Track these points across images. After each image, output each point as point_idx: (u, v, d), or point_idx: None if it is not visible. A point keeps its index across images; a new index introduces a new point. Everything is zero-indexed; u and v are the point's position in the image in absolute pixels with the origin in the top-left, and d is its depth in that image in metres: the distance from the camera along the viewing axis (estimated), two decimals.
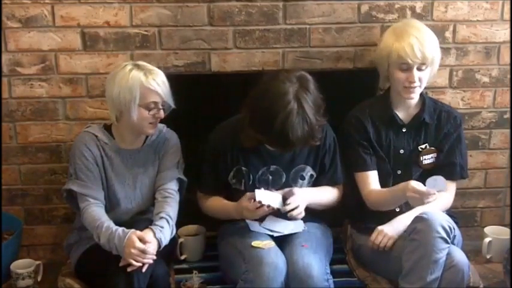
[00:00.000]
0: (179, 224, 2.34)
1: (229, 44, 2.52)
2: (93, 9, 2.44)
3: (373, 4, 2.54)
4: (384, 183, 2.39)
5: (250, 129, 2.16)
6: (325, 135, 2.32)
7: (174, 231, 2.25)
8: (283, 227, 2.30)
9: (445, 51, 2.57)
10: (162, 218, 2.20)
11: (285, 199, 2.22)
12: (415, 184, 2.16)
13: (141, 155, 2.33)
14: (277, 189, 2.29)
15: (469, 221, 2.84)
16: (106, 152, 2.27)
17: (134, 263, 2.06)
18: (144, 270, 2.07)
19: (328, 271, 2.17)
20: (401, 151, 2.41)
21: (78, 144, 2.26)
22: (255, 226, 2.30)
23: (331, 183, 2.40)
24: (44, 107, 2.53)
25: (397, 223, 2.29)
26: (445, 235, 2.10)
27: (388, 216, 2.33)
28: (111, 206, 2.30)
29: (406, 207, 2.31)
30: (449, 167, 2.41)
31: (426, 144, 2.41)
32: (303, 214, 2.22)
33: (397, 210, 2.36)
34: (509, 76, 2.69)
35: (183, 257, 2.48)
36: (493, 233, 2.63)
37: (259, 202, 2.15)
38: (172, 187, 2.31)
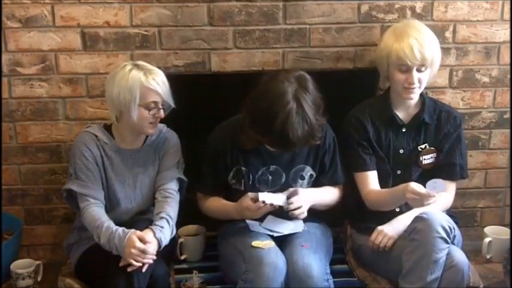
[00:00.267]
0: (179, 224, 2.34)
1: (229, 44, 2.52)
2: (93, 9, 2.44)
3: (373, 4, 2.54)
4: (383, 183, 2.40)
5: (250, 130, 2.16)
6: (325, 134, 2.32)
7: (174, 231, 2.25)
8: (283, 227, 2.30)
9: (445, 51, 2.57)
10: (162, 218, 2.20)
11: (288, 199, 2.22)
12: (415, 186, 2.15)
13: (141, 155, 2.33)
14: (277, 189, 2.29)
15: (469, 221, 2.84)
16: (106, 152, 2.27)
17: (134, 263, 2.06)
18: (144, 270, 2.07)
19: (328, 271, 2.17)
20: (401, 151, 2.41)
21: (78, 144, 2.26)
22: (255, 226, 2.30)
23: (332, 183, 2.40)
24: (44, 107, 2.53)
25: (397, 223, 2.29)
26: (445, 235, 2.10)
27: (388, 216, 2.33)
28: (111, 206, 2.30)
29: (406, 207, 2.31)
30: (449, 167, 2.41)
31: (426, 144, 2.41)
32: (305, 214, 2.22)
33: (397, 210, 2.36)
34: (509, 76, 2.69)
35: (183, 257, 2.48)
36: (493, 233, 2.63)
37: (263, 202, 2.14)
38: (173, 187, 2.31)
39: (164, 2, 2.46)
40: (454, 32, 2.61)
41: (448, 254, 2.12)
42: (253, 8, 2.49)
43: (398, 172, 2.42)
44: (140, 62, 2.25)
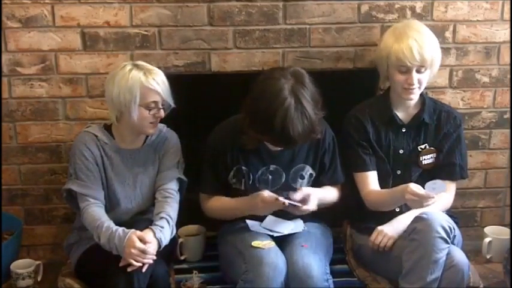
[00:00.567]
0: (179, 224, 2.34)
1: (229, 44, 2.52)
2: (93, 9, 2.44)
3: (373, 4, 2.54)
4: (383, 183, 2.39)
5: (251, 130, 2.16)
6: (325, 134, 2.32)
7: (174, 231, 2.25)
8: (283, 227, 2.30)
9: (445, 51, 2.57)
10: (162, 218, 2.20)
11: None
12: (414, 187, 2.15)
13: (141, 155, 2.33)
14: (277, 189, 2.29)
15: (469, 221, 2.84)
16: (106, 152, 2.27)
17: (134, 263, 2.06)
18: (144, 270, 2.07)
19: (328, 271, 2.17)
20: (401, 151, 2.41)
21: (78, 144, 2.26)
22: (254, 226, 2.30)
23: (332, 182, 2.40)
24: (44, 107, 2.53)
25: (397, 223, 2.29)
26: (445, 235, 2.10)
27: (388, 216, 2.33)
28: (111, 206, 2.30)
29: (406, 207, 2.30)
30: (449, 167, 2.41)
31: (426, 144, 2.41)
32: (314, 207, 2.20)
33: (397, 210, 2.36)
34: (509, 76, 2.69)
35: (183, 257, 2.48)
36: (493, 233, 2.63)
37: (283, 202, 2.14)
38: (173, 187, 2.31)
39: (164, 2, 2.46)
40: (454, 32, 2.61)
41: (448, 254, 2.12)
42: (253, 8, 2.49)
43: (398, 172, 2.42)
44: (140, 62, 2.25)
